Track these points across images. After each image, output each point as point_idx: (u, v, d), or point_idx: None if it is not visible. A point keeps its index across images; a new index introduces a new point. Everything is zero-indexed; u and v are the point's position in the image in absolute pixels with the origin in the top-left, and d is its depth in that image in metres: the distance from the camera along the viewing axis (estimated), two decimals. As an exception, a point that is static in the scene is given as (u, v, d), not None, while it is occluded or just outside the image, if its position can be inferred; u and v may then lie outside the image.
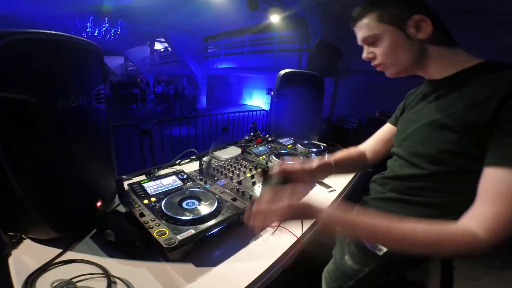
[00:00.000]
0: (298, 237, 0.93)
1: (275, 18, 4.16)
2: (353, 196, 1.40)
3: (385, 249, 0.73)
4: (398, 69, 0.72)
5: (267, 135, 1.98)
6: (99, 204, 0.89)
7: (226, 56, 10.64)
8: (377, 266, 0.77)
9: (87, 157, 0.86)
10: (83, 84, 0.80)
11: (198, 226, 0.76)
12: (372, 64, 0.75)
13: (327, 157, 0.95)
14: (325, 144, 1.86)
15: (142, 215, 0.79)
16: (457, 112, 0.61)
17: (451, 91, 0.65)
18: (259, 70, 9.20)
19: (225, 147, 1.82)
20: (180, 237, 0.70)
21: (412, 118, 0.77)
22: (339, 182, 1.42)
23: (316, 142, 1.93)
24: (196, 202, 0.89)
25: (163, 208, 0.82)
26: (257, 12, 3.50)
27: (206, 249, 0.79)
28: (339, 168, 0.93)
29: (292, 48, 6.44)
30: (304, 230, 0.91)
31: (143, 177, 1.31)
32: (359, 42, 0.76)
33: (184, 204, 0.87)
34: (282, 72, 1.83)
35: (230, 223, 0.84)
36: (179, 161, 1.53)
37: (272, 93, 1.91)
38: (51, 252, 0.74)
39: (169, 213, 0.79)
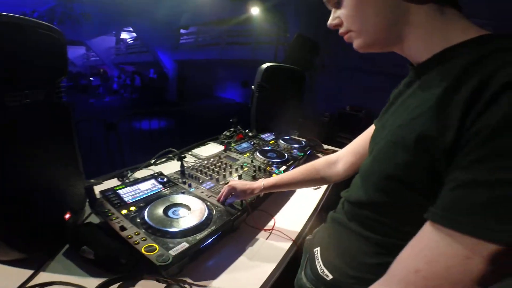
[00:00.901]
0: (294, 239, 0.90)
1: (255, 10, 4.06)
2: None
3: (331, 276, 0.63)
4: (366, 38, 0.51)
5: (247, 130, 1.92)
6: (67, 216, 0.76)
7: (200, 47, 10.29)
8: None
9: (47, 163, 0.72)
10: (40, 76, 0.66)
11: (190, 238, 0.68)
12: (339, 33, 0.56)
13: (262, 182, 0.88)
14: (305, 139, 1.86)
15: (123, 228, 0.68)
16: (414, 119, 0.42)
17: (423, 84, 0.47)
18: (235, 62, 9.05)
19: (204, 144, 1.72)
20: (173, 252, 0.61)
21: (384, 123, 0.57)
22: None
23: (297, 138, 1.91)
24: (184, 210, 0.80)
25: (147, 219, 0.72)
26: (236, 3, 3.38)
27: (201, 261, 0.72)
28: (287, 186, 0.90)
29: (270, 41, 6.40)
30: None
31: (114, 180, 1.17)
32: (326, 4, 0.57)
33: (170, 213, 0.78)
34: (265, 65, 1.76)
35: (224, 231, 0.77)
36: (153, 161, 1.40)
37: (253, 86, 1.83)
38: (20, 274, 0.63)
39: (155, 225, 0.69)
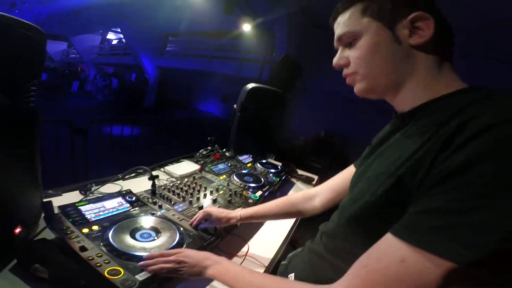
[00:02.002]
0: (266, 266, 0.88)
1: (246, 27, 4.19)
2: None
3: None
4: (370, 83, 0.54)
5: (224, 150, 1.90)
6: (18, 230, 0.68)
7: (186, 56, 10.22)
8: None
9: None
10: (8, 80, 0.61)
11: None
12: (343, 74, 0.59)
13: (239, 212, 0.88)
14: (281, 164, 1.88)
15: (83, 248, 0.62)
16: (395, 167, 0.45)
17: (405, 134, 0.50)
18: (219, 76, 9.09)
19: (178, 161, 1.67)
20: (140, 277, 0.56)
21: (366, 168, 0.59)
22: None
23: (273, 162, 1.93)
24: (153, 234, 0.75)
25: (111, 240, 0.67)
26: (228, 18, 3.46)
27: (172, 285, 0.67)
28: (262, 218, 0.93)
29: (256, 59, 6.53)
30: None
31: (76, 194, 1.08)
32: (335, 42, 0.59)
33: (138, 236, 0.73)
34: (250, 86, 1.80)
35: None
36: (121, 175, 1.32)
37: (235, 105, 1.85)
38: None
39: (120, 248, 0.64)
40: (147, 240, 0.71)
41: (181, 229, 0.81)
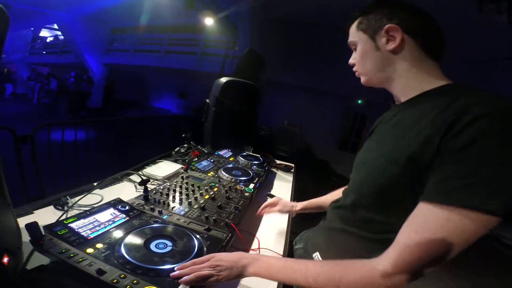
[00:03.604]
0: (282, 254, 0.90)
1: (209, 21, 3.96)
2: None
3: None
4: (366, 78, 0.71)
5: (200, 146, 1.83)
6: (6, 259, 0.56)
7: (136, 52, 9.38)
8: None
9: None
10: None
11: (188, 274, 0.59)
12: (354, 69, 0.75)
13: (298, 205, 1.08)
14: (260, 156, 1.90)
15: (101, 272, 0.54)
16: (403, 143, 0.55)
17: (406, 117, 0.60)
18: (175, 72, 8.56)
19: (154, 162, 1.55)
20: None
21: (369, 146, 0.72)
22: (288, 193, 1.49)
23: (252, 154, 1.94)
24: (169, 242, 0.69)
25: (128, 257, 0.60)
26: (187, 11, 3.24)
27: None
28: (317, 208, 1.06)
29: (217, 53, 6.31)
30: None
31: (50, 210, 0.94)
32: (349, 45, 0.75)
33: (153, 247, 0.66)
34: (223, 79, 1.74)
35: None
36: (97, 183, 1.18)
37: (207, 100, 1.78)
38: None
39: (144, 264, 0.58)
40: (166, 250, 0.66)
41: (195, 233, 0.76)
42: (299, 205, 1.08)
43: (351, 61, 0.74)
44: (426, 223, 0.47)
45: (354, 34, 0.70)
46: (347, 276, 0.51)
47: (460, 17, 3.78)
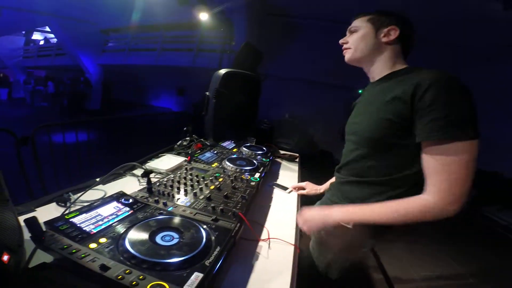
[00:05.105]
0: (294, 243, 0.87)
1: (203, 16, 3.87)
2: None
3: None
4: (353, 53, 0.94)
5: (202, 139, 1.79)
6: (5, 257, 0.53)
7: (132, 51, 9.28)
8: (334, 256, 0.97)
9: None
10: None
11: (197, 265, 0.55)
12: (343, 47, 0.99)
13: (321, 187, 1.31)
14: (264, 146, 1.85)
15: (104, 267, 0.51)
16: (388, 101, 0.79)
17: (384, 87, 0.85)
18: (172, 69, 8.48)
19: (157, 156, 1.52)
20: (189, 287, 0.48)
21: (358, 112, 0.98)
22: (295, 182, 1.46)
23: (255, 145, 1.90)
24: (175, 234, 0.66)
25: (133, 251, 0.56)
26: (182, 8, 3.16)
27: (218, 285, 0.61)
28: None
29: (214, 49, 6.24)
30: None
31: (53, 207, 0.91)
32: (347, 30, 0.98)
33: (159, 240, 0.63)
34: (223, 71, 1.69)
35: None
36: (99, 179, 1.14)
37: (207, 93, 1.73)
38: None
39: (150, 258, 0.54)
40: (172, 243, 0.62)
41: (202, 224, 0.73)
42: (322, 187, 1.29)
43: (343, 40, 0.98)
44: (451, 158, 0.68)
45: (362, 22, 0.93)
46: (406, 209, 0.74)
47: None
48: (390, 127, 0.78)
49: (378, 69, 0.92)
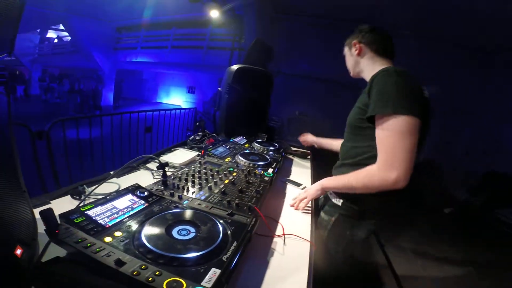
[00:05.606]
0: (310, 240, 0.84)
1: (214, 13, 3.84)
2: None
3: (341, 201, 1.07)
4: (352, 73, 1.19)
5: (214, 134, 1.77)
6: (19, 251, 0.52)
7: (143, 49, 9.45)
8: (339, 216, 1.07)
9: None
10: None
11: (215, 261, 0.53)
12: None
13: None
14: (275, 142, 1.82)
15: (120, 262, 0.49)
16: (361, 96, 1.01)
17: (366, 87, 0.99)
18: (182, 67, 8.54)
19: (170, 150, 1.51)
20: (207, 283, 0.46)
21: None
22: (308, 179, 1.42)
23: (267, 141, 1.86)
24: (192, 228, 0.64)
25: (150, 246, 0.54)
26: (193, 5, 3.15)
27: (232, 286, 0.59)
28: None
29: (224, 46, 6.24)
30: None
31: (67, 199, 0.91)
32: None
33: (175, 234, 0.61)
34: (235, 66, 1.67)
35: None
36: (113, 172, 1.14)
37: (220, 88, 1.71)
38: None
39: (167, 253, 0.52)
40: (189, 237, 0.60)
41: (218, 218, 0.71)
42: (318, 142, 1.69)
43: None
44: (385, 132, 0.86)
45: (344, 48, 1.20)
46: (358, 175, 0.93)
47: None
48: (359, 113, 0.98)
49: (367, 75, 1.09)
